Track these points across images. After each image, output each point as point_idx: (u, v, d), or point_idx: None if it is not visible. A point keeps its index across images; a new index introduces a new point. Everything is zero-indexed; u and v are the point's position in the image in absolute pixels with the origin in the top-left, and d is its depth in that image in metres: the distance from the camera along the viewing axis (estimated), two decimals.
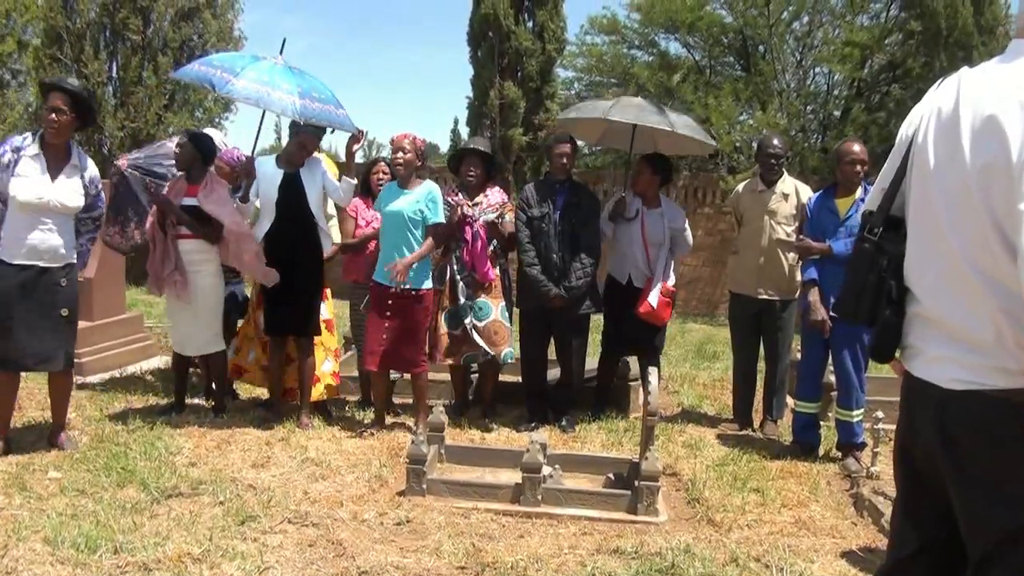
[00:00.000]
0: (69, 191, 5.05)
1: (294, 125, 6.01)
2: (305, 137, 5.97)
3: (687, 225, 6.65)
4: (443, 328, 6.16)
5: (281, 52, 6.07)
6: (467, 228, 6.12)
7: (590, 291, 6.21)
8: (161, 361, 7.74)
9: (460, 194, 6.27)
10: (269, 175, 5.94)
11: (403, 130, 5.88)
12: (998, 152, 1.92)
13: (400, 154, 5.74)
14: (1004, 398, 1.97)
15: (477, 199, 6.23)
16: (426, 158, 5.96)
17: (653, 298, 6.23)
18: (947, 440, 2.09)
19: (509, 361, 6.29)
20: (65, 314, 5.12)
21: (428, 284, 5.83)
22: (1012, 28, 2.19)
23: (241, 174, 6.14)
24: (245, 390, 6.73)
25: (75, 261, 5.21)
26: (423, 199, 5.72)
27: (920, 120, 2.26)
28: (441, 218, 5.83)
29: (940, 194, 2.11)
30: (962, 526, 2.10)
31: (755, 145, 7.66)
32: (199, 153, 6.02)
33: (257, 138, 6.15)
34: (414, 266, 5.67)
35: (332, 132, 6.14)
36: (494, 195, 6.30)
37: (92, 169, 5.25)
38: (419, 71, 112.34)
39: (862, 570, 3.87)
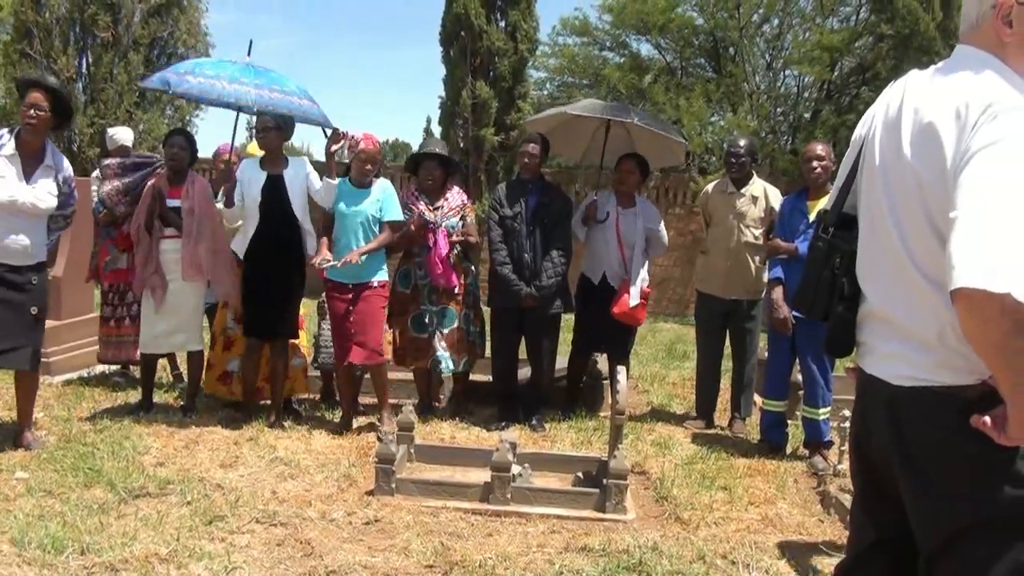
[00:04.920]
0: (43, 193, 5.00)
1: (258, 123, 5.96)
2: (259, 124, 5.94)
3: (662, 225, 6.70)
4: (411, 332, 6.19)
5: (248, 53, 6.06)
6: (429, 235, 6.15)
7: (561, 291, 6.24)
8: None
9: (421, 199, 6.27)
10: (253, 177, 5.90)
11: (369, 130, 5.91)
12: (935, 160, 1.97)
13: (371, 165, 5.83)
14: (951, 394, 2.02)
15: (438, 203, 6.25)
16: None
17: (633, 299, 6.26)
18: (897, 436, 2.13)
19: (463, 370, 6.39)
20: (35, 312, 5.08)
21: (383, 276, 5.90)
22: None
23: (219, 180, 6.12)
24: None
25: (46, 259, 5.17)
26: (383, 197, 5.84)
27: (872, 120, 2.31)
28: (398, 214, 5.89)
29: (885, 194, 2.16)
30: (912, 521, 2.14)
31: (725, 146, 7.76)
32: (191, 155, 6.05)
33: (233, 140, 6.13)
34: (365, 258, 5.75)
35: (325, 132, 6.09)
36: (454, 197, 6.33)
37: (67, 169, 5.21)
38: (391, 70, 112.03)
39: (827, 566, 3.92)
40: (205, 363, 6.34)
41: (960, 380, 2.01)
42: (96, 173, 7.36)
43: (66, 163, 5.24)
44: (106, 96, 14.20)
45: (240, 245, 5.98)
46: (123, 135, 7.23)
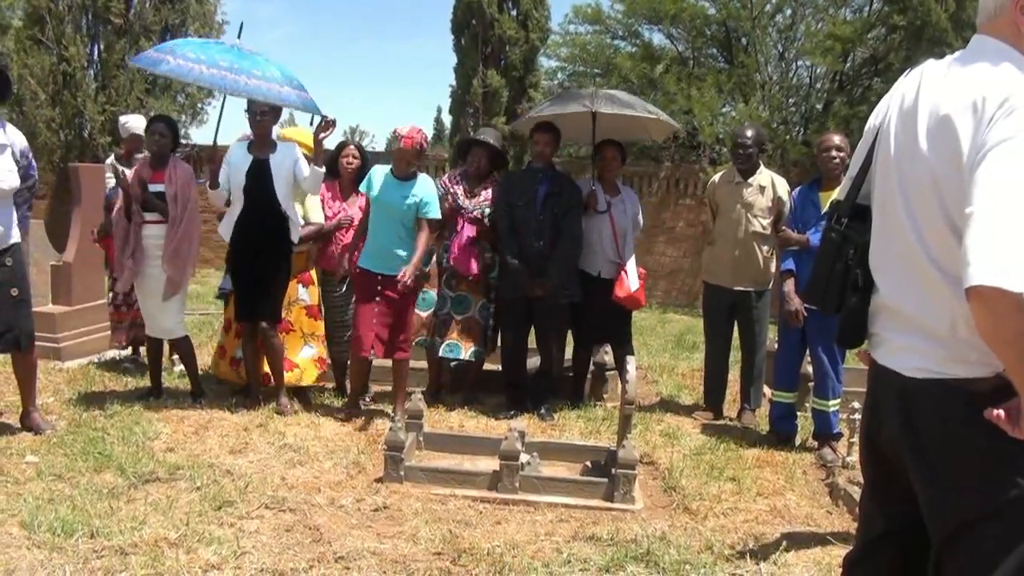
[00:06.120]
0: (3, 172, 4.88)
1: (248, 103, 5.84)
2: (255, 108, 5.82)
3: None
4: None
5: (239, 36, 6.03)
6: (459, 219, 6.18)
7: (570, 281, 6.23)
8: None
9: (461, 184, 6.31)
10: (240, 161, 5.87)
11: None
12: (950, 153, 1.95)
13: (406, 162, 5.78)
14: (963, 387, 2.01)
15: (477, 191, 6.28)
16: (425, 151, 5.95)
17: (633, 282, 6.26)
18: (909, 427, 2.13)
19: (474, 360, 6.41)
20: (15, 294, 5.03)
21: None
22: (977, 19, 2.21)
23: (204, 160, 6.08)
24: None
25: (19, 240, 5.10)
26: (421, 193, 5.76)
27: (886, 110, 2.29)
28: (437, 212, 5.86)
29: (899, 185, 2.15)
30: (923, 511, 2.14)
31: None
32: (173, 141, 6.02)
33: (219, 123, 6.11)
34: (407, 252, 5.73)
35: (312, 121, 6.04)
36: (493, 190, 6.33)
37: (19, 140, 5.09)
38: (402, 59, 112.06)
39: (836, 558, 3.91)
40: (217, 348, 6.38)
41: (973, 373, 2.00)
42: (110, 160, 7.37)
43: (18, 135, 5.12)
44: (118, 83, 14.20)
45: (226, 228, 5.96)
46: (135, 123, 7.23)
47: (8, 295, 5.01)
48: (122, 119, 7.39)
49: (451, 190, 6.31)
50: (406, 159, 5.76)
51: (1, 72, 5.02)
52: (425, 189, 5.80)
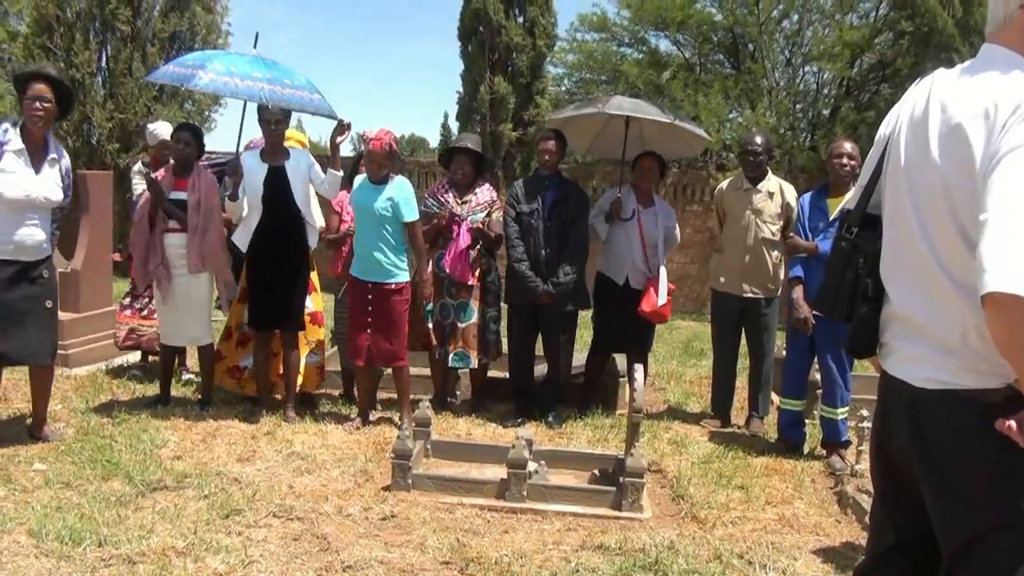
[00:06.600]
0: (52, 184, 5.02)
1: (260, 111, 5.85)
2: (269, 115, 5.82)
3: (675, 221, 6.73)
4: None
5: (255, 46, 6.05)
6: (455, 227, 6.17)
7: (577, 288, 6.22)
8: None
9: (450, 192, 6.30)
10: (254, 170, 5.89)
11: (384, 125, 5.87)
12: (962, 160, 1.94)
13: (376, 164, 5.75)
14: (974, 398, 2.00)
15: (466, 197, 6.27)
16: (395, 153, 5.94)
17: (661, 297, 6.25)
18: (919, 438, 2.11)
19: (478, 367, 6.42)
20: (50, 306, 5.12)
21: (405, 276, 5.86)
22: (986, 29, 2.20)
23: (228, 172, 6.09)
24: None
25: (51, 253, 5.19)
26: (395, 195, 5.74)
27: (897, 119, 2.28)
28: (415, 214, 5.85)
29: (909, 195, 2.14)
30: (934, 522, 2.12)
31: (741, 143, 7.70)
32: (198, 149, 6.04)
33: (240, 133, 6.11)
34: (391, 259, 5.73)
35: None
36: (483, 193, 6.34)
37: (66, 159, 5.21)
38: (409, 65, 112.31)
39: (845, 567, 3.90)
40: (217, 354, 6.37)
41: (984, 383, 1.99)
42: (138, 167, 7.35)
43: (65, 155, 5.23)
44: (125, 91, 14.23)
45: (243, 238, 5.97)
46: (163, 130, 7.19)
47: (44, 307, 5.09)
48: (150, 126, 7.38)
49: (443, 199, 6.30)
50: (377, 161, 5.74)
51: (67, 89, 5.13)
52: (399, 191, 5.78)
